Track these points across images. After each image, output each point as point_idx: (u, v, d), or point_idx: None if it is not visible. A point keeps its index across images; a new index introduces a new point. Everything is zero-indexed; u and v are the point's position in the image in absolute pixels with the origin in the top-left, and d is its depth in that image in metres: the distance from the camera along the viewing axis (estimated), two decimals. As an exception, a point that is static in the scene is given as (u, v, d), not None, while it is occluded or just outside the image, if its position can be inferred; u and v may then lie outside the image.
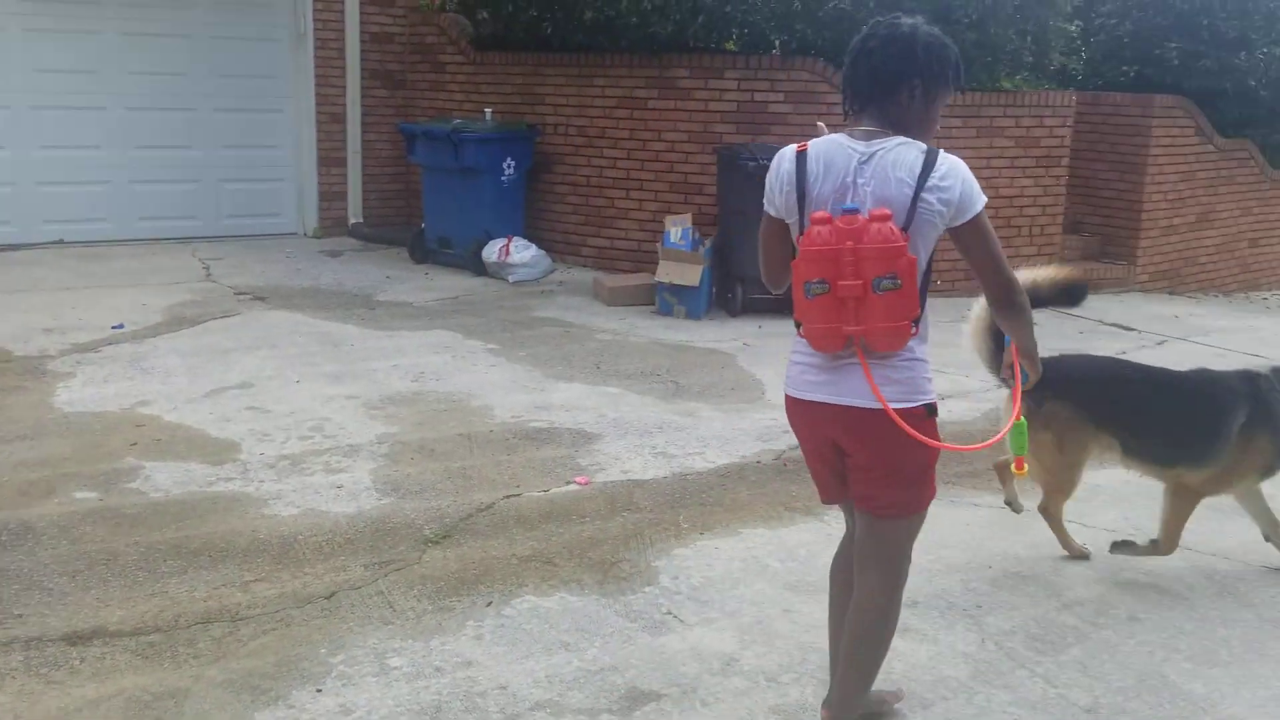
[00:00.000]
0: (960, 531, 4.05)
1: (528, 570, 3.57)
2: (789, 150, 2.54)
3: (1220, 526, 4.23)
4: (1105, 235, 9.95)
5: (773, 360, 6.46)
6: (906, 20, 2.49)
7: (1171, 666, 3.13)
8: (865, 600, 2.62)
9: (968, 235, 2.44)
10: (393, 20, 9.88)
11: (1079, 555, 3.89)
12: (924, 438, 2.46)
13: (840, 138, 2.50)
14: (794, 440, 4.93)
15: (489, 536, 3.82)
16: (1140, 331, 7.98)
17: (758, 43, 8.38)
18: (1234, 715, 2.89)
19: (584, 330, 6.92)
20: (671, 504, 4.19)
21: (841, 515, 2.86)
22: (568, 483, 4.35)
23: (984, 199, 2.44)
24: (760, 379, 6.08)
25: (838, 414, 2.53)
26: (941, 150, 2.44)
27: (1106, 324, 8.21)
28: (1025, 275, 3.23)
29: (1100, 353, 7.17)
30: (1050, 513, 3.87)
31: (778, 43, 8.45)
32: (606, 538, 3.84)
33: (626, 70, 8.59)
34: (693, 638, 3.17)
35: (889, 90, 2.46)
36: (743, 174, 7.35)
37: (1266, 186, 10.96)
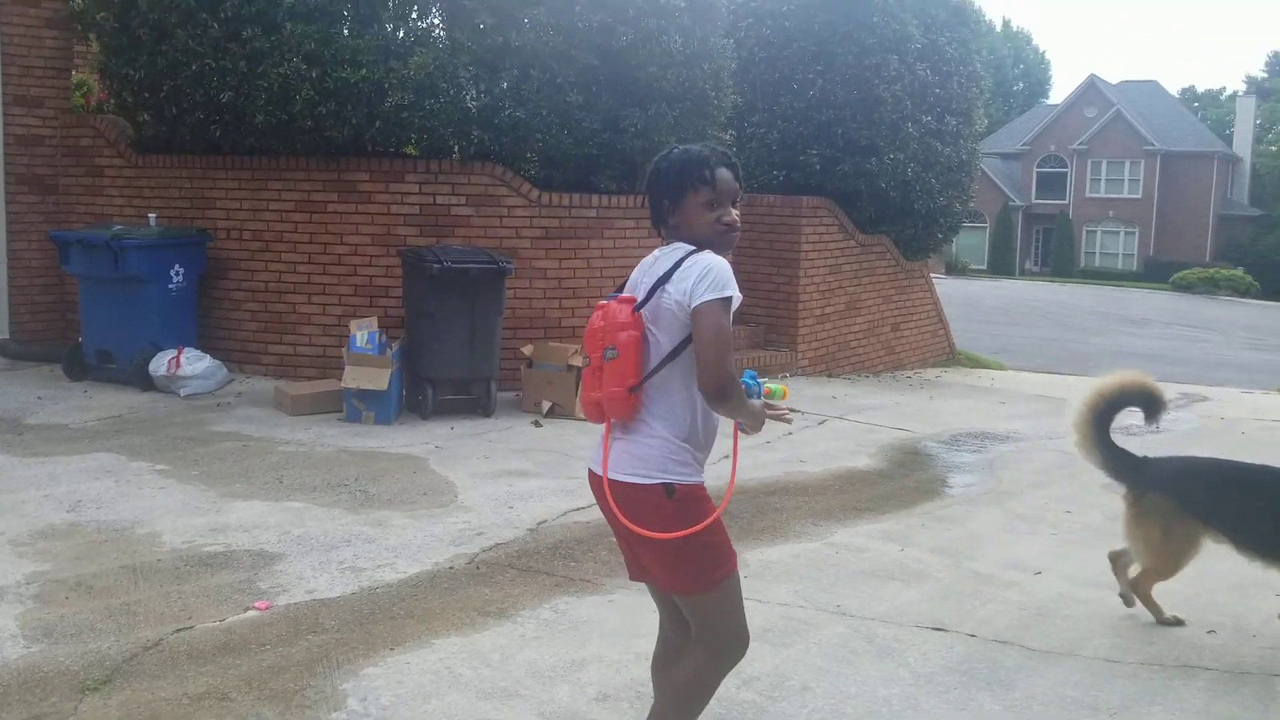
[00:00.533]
0: (649, 619, 4.16)
1: (201, 710, 3.34)
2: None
3: (876, 593, 4.62)
4: (769, 324, 10.75)
5: (466, 461, 6.47)
6: (662, 153, 2.82)
7: (839, 730, 3.36)
8: (680, 669, 2.85)
9: (694, 321, 2.62)
10: (41, 122, 9.22)
11: (1172, 624, 4.34)
12: (624, 517, 2.67)
13: (656, 249, 2.82)
14: (487, 542, 5.01)
15: (157, 677, 3.54)
16: (804, 413, 8.64)
17: (438, 147, 8.51)
18: (893, 770, 3.15)
19: (265, 443, 6.63)
20: (360, 621, 4.06)
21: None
22: (246, 609, 4.13)
23: (720, 295, 2.60)
24: (453, 481, 6.06)
25: (595, 482, 2.79)
26: (704, 252, 2.68)
27: (776, 407, 8.83)
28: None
29: (769, 433, 7.73)
30: (1141, 589, 4.37)
31: (457, 147, 8.62)
32: (289, 664, 3.66)
33: (304, 173, 8.45)
34: (382, 762, 3.08)
35: (655, 213, 2.80)
36: (427, 276, 7.38)
37: (903, 276, 12.28)
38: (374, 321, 7.65)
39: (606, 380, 2.68)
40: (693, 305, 2.60)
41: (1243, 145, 53.95)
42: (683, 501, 2.67)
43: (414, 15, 8.96)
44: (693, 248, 2.70)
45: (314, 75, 7.95)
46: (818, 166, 10.99)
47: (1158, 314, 28.47)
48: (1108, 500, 6.41)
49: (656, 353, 2.68)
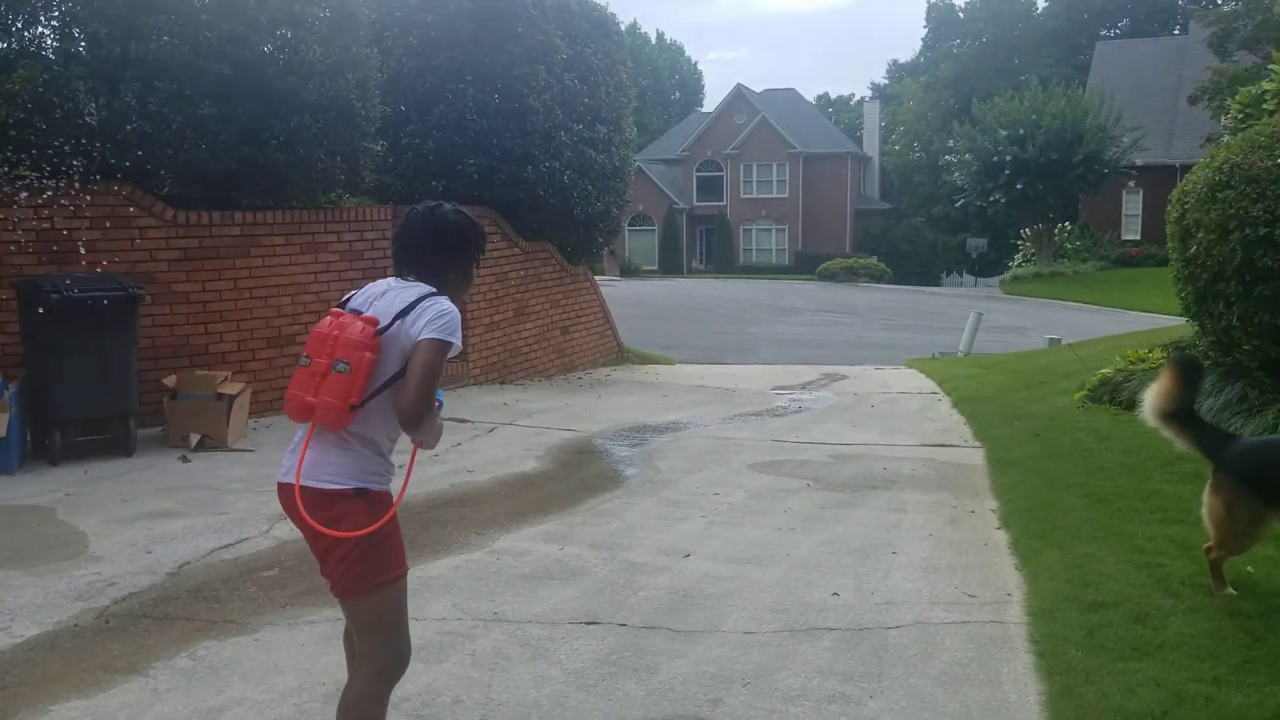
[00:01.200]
0: (295, 653, 4.03)
1: None
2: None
3: (534, 595, 4.69)
4: (437, 336, 10.66)
5: (101, 507, 5.96)
6: (431, 205, 3.03)
7: (491, 739, 3.38)
8: (348, 691, 2.95)
9: (414, 352, 2.79)
10: None
11: (1226, 595, 4.36)
12: (313, 520, 2.78)
13: (391, 280, 2.99)
14: (119, 593, 4.62)
15: None
16: (474, 422, 8.65)
17: (56, 167, 7.77)
18: (541, 770, 3.20)
19: None
20: (-40, 698, 3.63)
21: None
22: None
23: (444, 338, 2.80)
24: (83, 530, 5.55)
25: (285, 493, 2.86)
26: (443, 297, 2.89)
27: (444, 419, 8.76)
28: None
29: (440, 444, 7.66)
30: (1211, 559, 4.44)
31: (78, 166, 7.90)
32: None
33: (-114, 200, 7.45)
34: None
35: (413, 258, 2.98)
36: (47, 307, 6.73)
37: (568, 281, 12.57)
38: (-17, 361, 6.88)
39: (328, 390, 2.78)
40: (418, 338, 2.79)
41: (871, 146, 59.54)
42: (371, 504, 2.83)
43: (18, 25, 8.14)
44: (433, 289, 2.91)
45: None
46: (476, 176, 11.03)
47: (807, 302, 30.85)
48: (751, 480, 6.88)
49: (378, 376, 2.82)
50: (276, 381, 8.64)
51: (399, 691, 3.69)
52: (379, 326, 2.81)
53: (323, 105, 8.63)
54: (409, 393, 2.74)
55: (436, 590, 4.75)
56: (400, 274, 2.97)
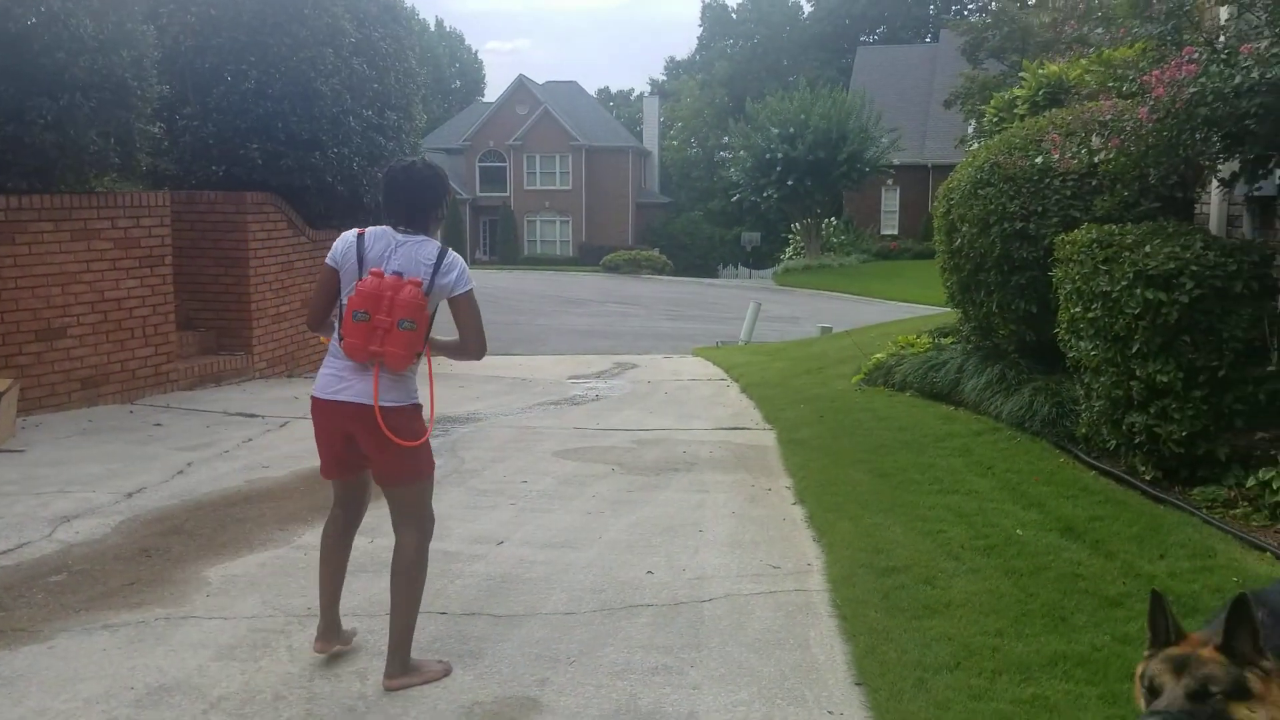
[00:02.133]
0: (98, 659, 3.81)
1: None
2: (351, 232, 3.73)
3: (348, 588, 4.60)
4: (220, 329, 10.20)
5: None
6: (406, 164, 3.76)
7: (318, 732, 3.32)
8: (404, 553, 3.77)
9: (461, 303, 3.72)
10: None
11: None
12: (389, 432, 3.61)
13: (386, 229, 3.72)
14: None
15: None
16: (264, 417, 8.33)
17: None
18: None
19: None
20: None
21: None
22: None
23: (473, 284, 3.75)
24: None
25: (353, 410, 3.64)
26: (451, 250, 3.72)
27: (232, 414, 8.42)
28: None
29: (228, 441, 7.36)
30: None
31: None
32: None
33: None
34: None
35: (423, 208, 3.74)
36: None
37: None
38: None
39: (395, 342, 3.56)
40: (459, 292, 3.70)
41: (651, 140, 60.74)
42: (418, 414, 3.73)
43: None
44: (436, 241, 3.72)
45: None
46: (260, 161, 10.59)
47: (593, 294, 31.23)
48: (558, 466, 6.97)
49: (429, 326, 3.71)
50: (46, 377, 8.04)
51: (217, 690, 3.58)
52: (423, 287, 3.59)
53: (95, 83, 8.08)
54: (474, 337, 3.75)
55: (243, 588, 4.59)
56: (392, 225, 3.70)
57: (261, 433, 7.80)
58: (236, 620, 4.22)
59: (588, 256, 50.80)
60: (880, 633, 4.01)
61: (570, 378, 11.55)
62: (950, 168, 10.56)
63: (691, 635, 4.15)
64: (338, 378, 3.68)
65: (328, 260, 3.75)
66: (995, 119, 10.95)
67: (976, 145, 11.46)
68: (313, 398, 3.75)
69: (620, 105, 75.08)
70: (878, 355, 10.26)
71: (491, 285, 33.38)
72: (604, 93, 77.14)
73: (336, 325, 3.67)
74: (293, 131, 10.60)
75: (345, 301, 3.62)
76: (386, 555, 5.07)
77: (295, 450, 7.24)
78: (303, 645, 3.99)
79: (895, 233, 42.69)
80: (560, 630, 4.18)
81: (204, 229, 10.10)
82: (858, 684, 3.67)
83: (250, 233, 10.17)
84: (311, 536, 5.33)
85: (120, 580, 4.65)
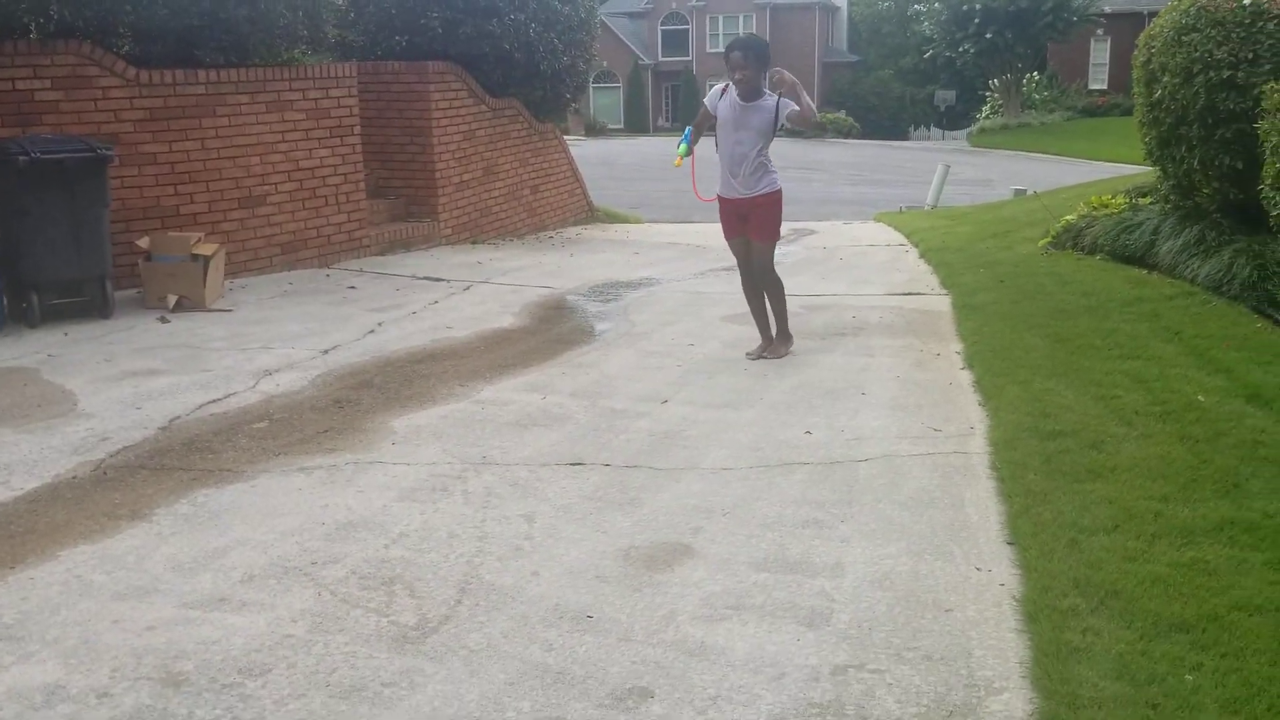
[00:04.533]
0: (293, 497, 4.20)
1: None
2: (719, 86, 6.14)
3: (520, 439, 4.87)
4: (408, 196, 10.62)
5: (85, 367, 6.04)
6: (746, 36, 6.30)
7: (486, 569, 3.58)
8: (770, 289, 6.34)
9: (795, 118, 6.00)
10: None
11: None
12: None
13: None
14: (114, 446, 4.75)
15: None
16: (449, 281, 8.71)
17: (11, 26, 7.56)
18: (548, 595, 3.41)
19: None
20: (-27, 546, 3.78)
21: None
22: None
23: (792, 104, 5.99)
24: (71, 389, 5.64)
25: (743, 201, 6.14)
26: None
27: (419, 278, 8.84)
28: None
29: (415, 303, 7.77)
30: None
31: (33, 25, 7.69)
32: (-108, 602, 3.37)
33: None
34: (9, 679, 2.94)
35: (761, 66, 6.00)
36: (15, 170, 6.67)
37: (536, 139, 12.45)
38: (-47, 226, 6.83)
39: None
40: (792, 111, 6.00)
41: (841, -5, 58.14)
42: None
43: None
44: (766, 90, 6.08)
45: None
46: (440, 30, 10.79)
47: (774, 159, 30.62)
48: (725, 331, 7.04)
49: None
50: (250, 242, 8.64)
51: (398, 528, 3.89)
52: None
53: (281, -43, 8.38)
54: (812, 119, 6.33)
55: (426, 437, 4.91)
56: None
57: (446, 295, 8.17)
58: (418, 466, 4.54)
59: (772, 121, 49.63)
60: (1038, 494, 3.96)
61: (745, 243, 11.49)
62: (1164, 14, 9.71)
63: (845, 492, 4.20)
64: (726, 184, 6.27)
65: (705, 103, 6.31)
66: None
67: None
68: (717, 196, 6.26)
69: (808, -40, 71.83)
70: (1068, 217, 9.76)
71: (671, 152, 33.20)
72: (791, -53, 73.89)
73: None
74: (471, -1, 10.72)
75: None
76: (557, 410, 5.35)
77: (477, 313, 7.57)
78: (477, 490, 4.26)
79: (1104, 87, 39.81)
80: (716, 484, 4.31)
81: (390, 99, 10.44)
82: (1009, 543, 3.66)
83: (433, 102, 10.45)
84: (490, 393, 5.64)
85: (315, 428, 5.06)
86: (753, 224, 6.19)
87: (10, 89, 7.47)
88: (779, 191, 6.20)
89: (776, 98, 6.00)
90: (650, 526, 3.90)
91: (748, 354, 6.27)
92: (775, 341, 6.32)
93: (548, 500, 4.16)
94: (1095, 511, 3.77)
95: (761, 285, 6.32)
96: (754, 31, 53.11)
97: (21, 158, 6.64)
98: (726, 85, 6.12)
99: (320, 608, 3.31)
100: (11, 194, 6.78)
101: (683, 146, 6.22)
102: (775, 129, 6.05)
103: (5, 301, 7.00)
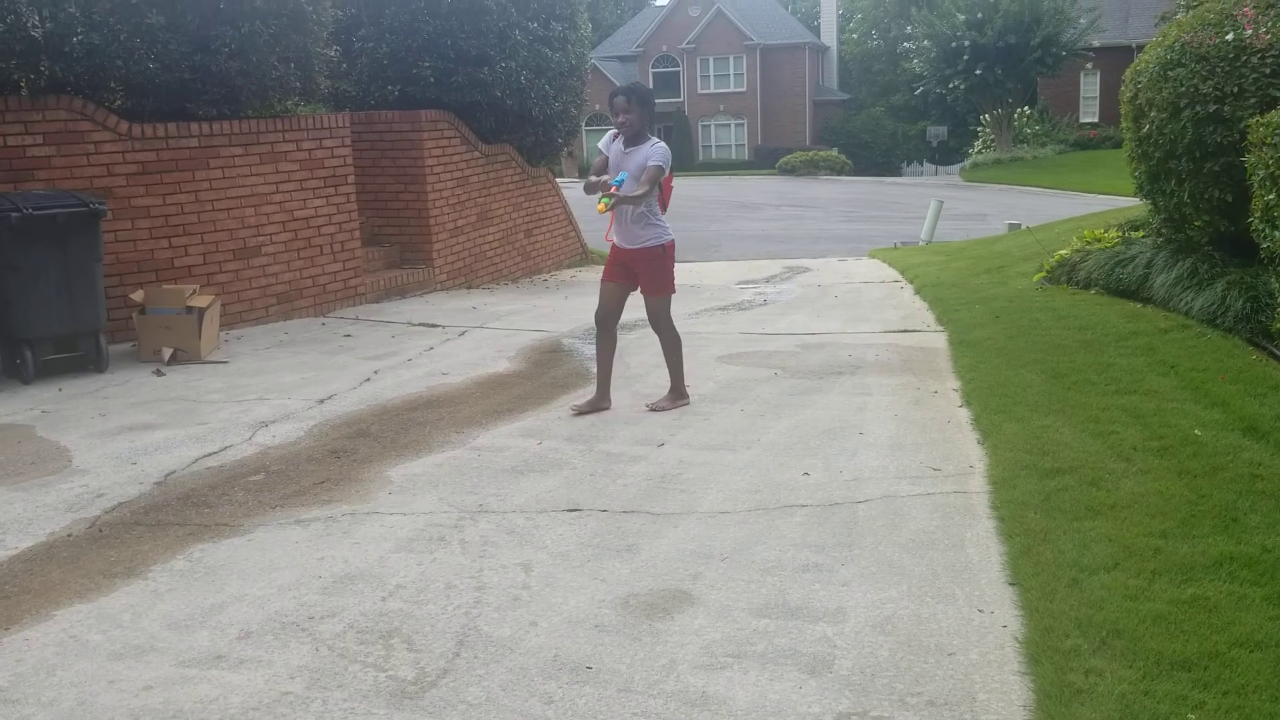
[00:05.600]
0: (290, 550, 4.17)
1: None
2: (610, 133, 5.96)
3: (516, 486, 4.85)
4: (403, 243, 10.66)
5: (80, 422, 6.02)
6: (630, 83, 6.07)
7: (484, 620, 3.55)
8: (665, 342, 6.14)
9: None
10: None
11: None
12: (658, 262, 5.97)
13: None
14: (109, 503, 4.73)
15: None
16: (444, 327, 8.72)
17: (1, 84, 7.62)
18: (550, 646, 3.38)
19: None
20: (-34, 607, 3.75)
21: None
22: None
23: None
24: (66, 446, 5.63)
25: (625, 252, 6.03)
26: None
27: (415, 325, 8.85)
28: None
29: (411, 350, 7.77)
30: None
31: (24, 82, 7.76)
32: (-116, 667, 3.34)
33: None
34: (4, 743, 2.91)
35: (647, 115, 5.88)
36: (8, 226, 6.69)
37: (529, 183, 12.52)
38: (-53, 283, 6.84)
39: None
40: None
41: (829, 35, 58.75)
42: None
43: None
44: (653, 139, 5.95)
45: None
46: (432, 79, 10.89)
47: (769, 197, 30.83)
48: (720, 371, 7.04)
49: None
50: (245, 293, 8.65)
51: (390, 581, 3.86)
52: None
53: (273, 10, 8.47)
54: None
55: (423, 486, 4.89)
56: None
57: (441, 341, 8.18)
58: (415, 516, 4.52)
59: (763, 159, 50.01)
60: (1038, 533, 3.95)
61: (739, 283, 11.54)
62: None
63: (844, 535, 4.18)
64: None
65: (600, 147, 6.00)
66: (1197, -10, 10.09)
67: (1182, 16, 10.62)
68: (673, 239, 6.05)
69: (796, 0, 72.72)
70: (1061, 252, 9.81)
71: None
72: (779, -12, 74.77)
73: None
74: (461, 48, 10.83)
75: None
76: (554, 455, 5.33)
77: (472, 358, 7.57)
78: (474, 539, 4.24)
79: (1095, 120, 40.18)
80: (715, 529, 4.29)
81: (383, 148, 10.51)
82: (1011, 584, 3.64)
83: (426, 150, 10.52)
84: (486, 439, 5.62)
85: (312, 479, 5.04)
86: (641, 279, 5.99)
87: (2, 145, 7.52)
88: (664, 246, 5.93)
89: (652, 145, 5.83)
90: (649, 573, 3.88)
91: (573, 407, 6.09)
92: (668, 395, 6.15)
93: (545, 548, 4.13)
94: (1095, 549, 3.75)
95: (658, 337, 6.16)
96: (744, 72, 53.75)
97: (13, 214, 6.67)
98: (618, 131, 5.93)
99: (318, 663, 3.28)
100: (4, 250, 6.80)
101: (604, 200, 5.64)
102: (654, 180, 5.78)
103: None
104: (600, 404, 6.08)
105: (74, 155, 7.73)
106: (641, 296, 6.08)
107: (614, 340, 6.16)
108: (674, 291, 6.10)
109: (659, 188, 5.86)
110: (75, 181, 7.66)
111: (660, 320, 6.10)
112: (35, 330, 6.93)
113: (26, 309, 6.87)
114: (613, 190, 5.64)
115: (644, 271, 5.96)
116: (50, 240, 6.84)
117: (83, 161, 7.76)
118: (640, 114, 5.80)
